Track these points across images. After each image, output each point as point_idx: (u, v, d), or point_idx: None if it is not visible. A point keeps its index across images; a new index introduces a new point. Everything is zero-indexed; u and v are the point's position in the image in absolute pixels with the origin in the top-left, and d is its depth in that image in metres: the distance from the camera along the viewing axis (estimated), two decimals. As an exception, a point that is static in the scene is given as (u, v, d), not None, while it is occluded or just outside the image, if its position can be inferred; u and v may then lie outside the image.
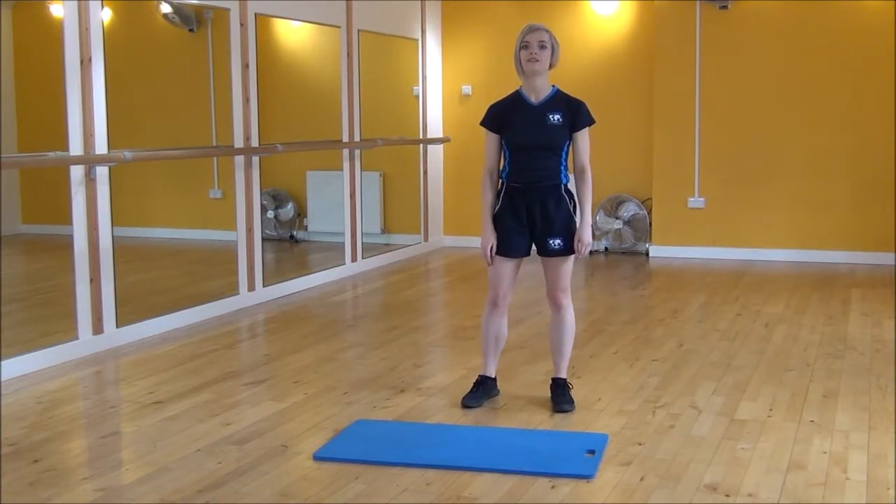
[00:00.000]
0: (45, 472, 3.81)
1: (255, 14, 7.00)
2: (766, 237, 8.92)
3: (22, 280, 7.09)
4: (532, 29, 4.45)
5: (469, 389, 4.66)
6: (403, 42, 9.27)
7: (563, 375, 4.62)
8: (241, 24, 6.87)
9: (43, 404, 4.69)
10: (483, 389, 4.63)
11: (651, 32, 9.15)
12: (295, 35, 8.45)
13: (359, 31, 8.30)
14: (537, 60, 4.41)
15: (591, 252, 9.35)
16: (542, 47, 4.42)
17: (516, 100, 4.51)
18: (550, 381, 4.64)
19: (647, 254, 9.25)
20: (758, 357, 5.47)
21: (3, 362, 5.04)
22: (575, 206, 4.51)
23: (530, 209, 4.45)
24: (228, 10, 6.79)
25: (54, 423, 4.42)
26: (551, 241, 4.45)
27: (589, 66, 9.31)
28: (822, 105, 8.71)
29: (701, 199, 9.06)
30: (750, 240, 8.97)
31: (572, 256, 4.50)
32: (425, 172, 9.58)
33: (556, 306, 4.56)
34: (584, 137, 4.50)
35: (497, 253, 4.51)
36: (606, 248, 9.43)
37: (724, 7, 8.82)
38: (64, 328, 5.57)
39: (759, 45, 8.81)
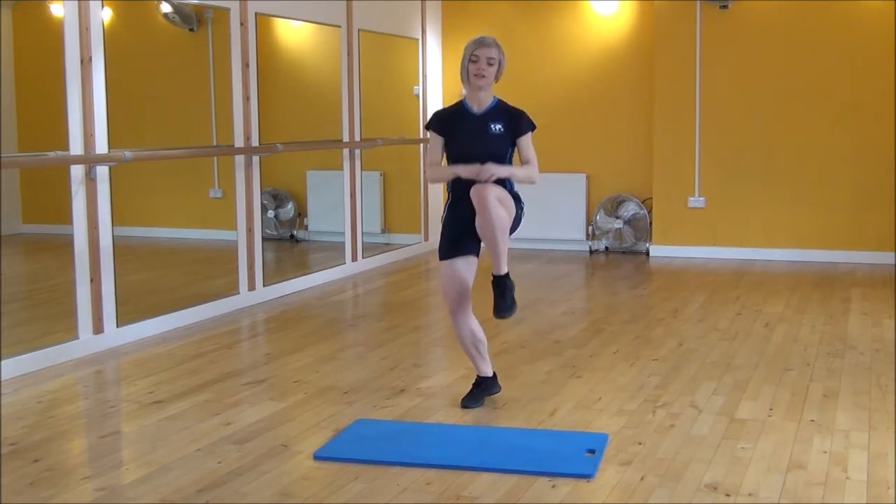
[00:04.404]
0: (45, 471, 3.81)
1: (256, 14, 7.00)
2: (766, 237, 8.92)
3: (22, 280, 7.09)
4: (482, 44, 4.45)
5: (468, 390, 4.66)
6: (403, 42, 9.27)
7: (503, 271, 4.38)
8: (242, 24, 6.87)
9: (43, 404, 4.69)
10: (482, 388, 4.63)
11: (651, 32, 9.15)
12: (295, 35, 8.45)
13: (359, 30, 8.30)
14: (483, 76, 4.44)
15: (591, 251, 9.36)
16: (490, 64, 4.45)
17: (459, 109, 4.54)
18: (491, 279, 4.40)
19: (647, 253, 9.25)
20: (758, 357, 5.47)
21: (3, 362, 5.04)
22: (522, 209, 4.47)
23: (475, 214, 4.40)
24: (228, 9, 6.79)
25: (54, 422, 4.42)
26: None
27: (589, 66, 9.31)
28: (823, 105, 8.71)
29: (701, 198, 9.06)
30: (750, 239, 8.97)
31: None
32: (425, 172, 9.58)
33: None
34: (527, 141, 4.51)
35: (441, 258, 4.50)
36: (607, 248, 9.42)
37: (724, 7, 8.82)
38: (64, 328, 5.57)
39: (760, 44, 8.81)
